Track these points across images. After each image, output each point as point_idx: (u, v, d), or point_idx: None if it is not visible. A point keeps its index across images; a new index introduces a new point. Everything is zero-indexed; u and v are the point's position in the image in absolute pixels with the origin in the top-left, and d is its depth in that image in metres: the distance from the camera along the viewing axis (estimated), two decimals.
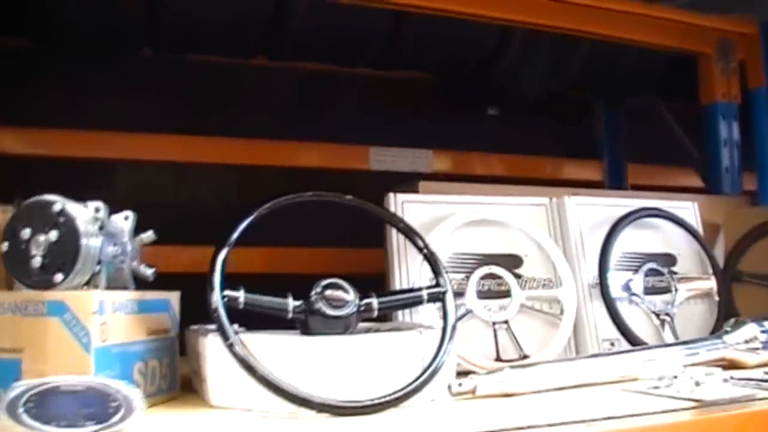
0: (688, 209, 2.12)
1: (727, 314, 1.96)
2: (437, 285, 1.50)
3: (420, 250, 1.56)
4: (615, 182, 2.91)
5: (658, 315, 1.96)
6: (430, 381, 1.36)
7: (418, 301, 1.53)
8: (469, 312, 1.80)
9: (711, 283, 2.04)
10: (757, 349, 1.74)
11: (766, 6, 1.92)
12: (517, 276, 1.88)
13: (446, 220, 1.85)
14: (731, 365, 1.71)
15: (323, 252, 2.43)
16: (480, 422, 1.22)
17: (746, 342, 1.74)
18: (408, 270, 1.80)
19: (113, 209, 1.40)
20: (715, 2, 1.88)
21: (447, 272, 1.52)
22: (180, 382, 1.51)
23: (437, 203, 1.90)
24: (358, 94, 2.73)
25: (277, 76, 2.58)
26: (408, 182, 2.04)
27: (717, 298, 2.03)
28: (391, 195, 1.86)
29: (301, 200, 1.49)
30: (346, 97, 2.71)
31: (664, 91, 2.79)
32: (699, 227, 2.11)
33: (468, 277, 1.84)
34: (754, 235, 2.11)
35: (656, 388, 1.47)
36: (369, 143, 2.62)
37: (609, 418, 1.28)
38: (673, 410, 1.34)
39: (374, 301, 1.46)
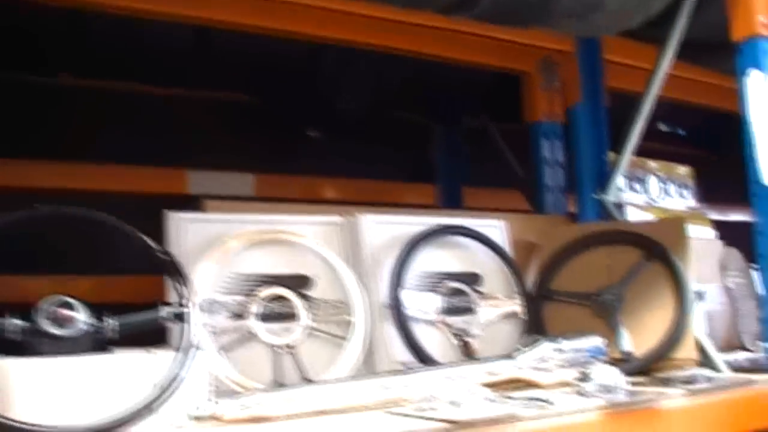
0: (496, 228, 2.04)
1: (535, 334, 1.88)
2: (180, 304, 1.38)
3: (161, 264, 1.43)
4: (451, 205, 2.83)
5: (458, 336, 1.87)
6: (155, 404, 1.25)
7: (158, 320, 1.40)
8: (249, 335, 1.69)
9: (517, 303, 1.96)
10: (550, 368, 1.66)
11: (564, 20, 1.86)
12: (306, 298, 1.77)
13: (224, 238, 1.73)
14: (528, 385, 1.63)
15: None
16: None
17: (540, 361, 1.66)
18: None
19: None
20: (513, 16, 1.82)
21: (189, 289, 1.39)
22: None
23: (221, 222, 1.80)
24: (174, 116, 2.60)
25: (82, 95, 2.44)
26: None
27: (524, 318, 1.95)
28: (170, 213, 1.74)
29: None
30: (162, 118, 2.57)
31: (496, 111, 2.73)
32: (507, 246, 2.03)
33: (250, 299, 1.72)
34: (566, 252, 2.04)
35: (421, 410, 1.38)
36: (187, 166, 2.50)
37: None
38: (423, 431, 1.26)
39: (109, 321, 1.33)
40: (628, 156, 2.14)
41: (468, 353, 1.85)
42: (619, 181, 2.20)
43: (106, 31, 2.20)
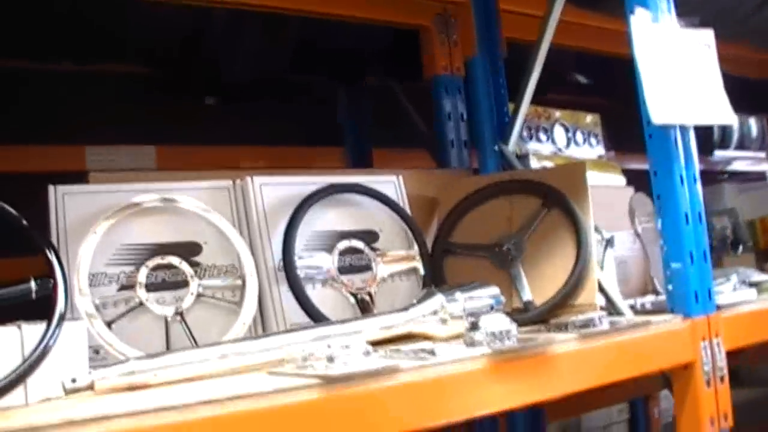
0: (391, 183, 2.01)
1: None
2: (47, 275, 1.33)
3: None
4: (359, 167, 2.79)
5: (355, 295, 1.83)
6: (24, 378, 1.20)
7: (27, 294, 1.35)
8: (138, 305, 1.64)
9: (416, 259, 1.94)
10: (445, 320, 1.63)
11: None
12: (195, 264, 1.73)
13: (108, 210, 1.68)
14: (424, 338, 1.61)
15: None
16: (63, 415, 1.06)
17: (434, 314, 1.63)
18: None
19: None
20: None
21: (58, 260, 1.34)
22: None
23: (105, 193, 1.74)
24: (67, 91, 2.52)
25: None
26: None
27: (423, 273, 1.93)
28: (51, 188, 1.69)
29: None
30: (53, 95, 2.50)
31: (399, 69, 2.68)
32: (404, 202, 2.00)
33: (138, 269, 1.67)
34: (465, 205, 2.01)
35: (301, 368, 1.34)
36: (85, 143, 2.43)
37: (206, 402, 1.15)
38: (293, 388, 1.22)
39: None
40: (525, 105, 2.11)
41: (366, 311, 1.82)
42: (519, 131, 2.17)
43: None
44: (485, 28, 2.31)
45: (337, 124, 2.88)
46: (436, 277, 1.95)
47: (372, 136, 2.87)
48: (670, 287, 1.80)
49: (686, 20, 1.91)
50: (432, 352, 1.39)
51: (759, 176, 4.37)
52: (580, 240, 1.87)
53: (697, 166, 1.83)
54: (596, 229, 2.27)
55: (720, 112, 1.84)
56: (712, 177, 4.08)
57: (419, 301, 1.65)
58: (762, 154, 4.43)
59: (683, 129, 1.79)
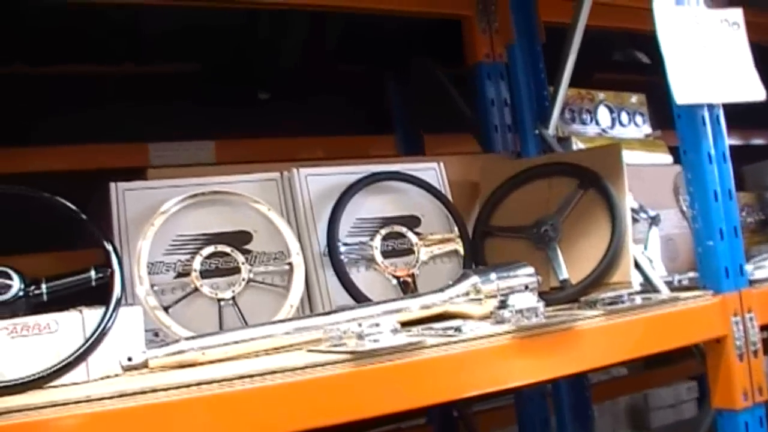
0: (433, 170, 2.09)
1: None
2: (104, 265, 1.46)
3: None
4: (411, 154, 2.87)
5: (398, 277, 1.93)
6: (84, 357, 1.33)
7: (87, 282, 1.48)
8: (194, 291, 1.76)
9: (457, 242, 2.02)
10: (479, 299, 1.71)
11: None
12: (247, 252, 1.84)
13: (164, 203, 1.80)
14: (462, 317, 1.69)
15: None
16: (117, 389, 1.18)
17: (467, 294, 1.71)
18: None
19: None
20: None
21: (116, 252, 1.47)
22: None
23: (162, 188, 1.86)
24: (128, 92, 2.66)
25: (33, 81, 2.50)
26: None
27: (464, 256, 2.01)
28: (112, 185, 1.82)
29: None
30: (117, 96, 2.63)
31: (443, 55, 2.75)
32: (444, 187, 2.08)
33: (193, 257, 1.79)
34: (504, 188, 2.08)
35: (336, 345, 1.44)
36: (148, 140, 2.57)
37: (243, 377, 1.26)
38: (325, 363, 1.32)
39: (43, 286, 1.42)
40: (564, 89, 2.17)
41: (408, 292, 1.91)
42: (558, 114, 2.23)
43: (41, 17, 2.25)
44: (523, 15, 2.36)
45: (387, 112, 2.96)
46: (476, 258, 2.03)
47: (421, 122, 2.94)
48: (701, 264, 1.85)
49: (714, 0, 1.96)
50: (459, 330, 1.48)
51: None
52: (615, 219, 1.92)
53: (726, 144, 1.86)
54: (641, 208, 2.34)
55: (749, 88, 1.88)
56: None
57: (455, 283, 1.73)
58: None
59: (711, 107, 1.84)
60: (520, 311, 1.56)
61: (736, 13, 1.91)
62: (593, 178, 1.98)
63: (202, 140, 2.64)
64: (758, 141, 4.18)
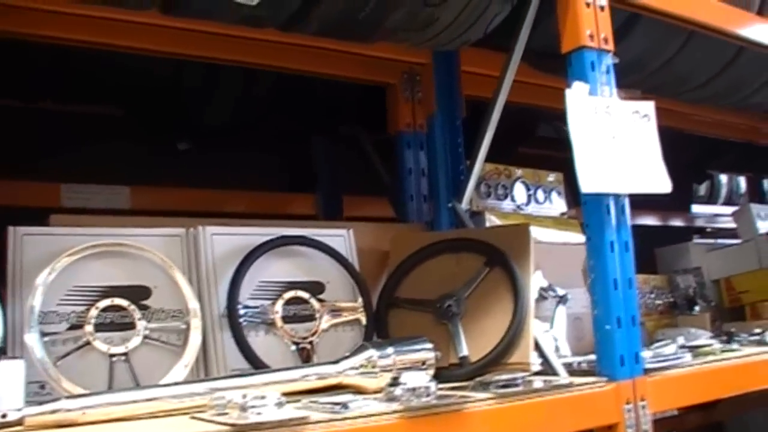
0: (341, 237, 2.09)
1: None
2: None
3: None
4: (330, 215, 2.87)
5: (298, 344, 1.91)
6: None
7: None
8: (86, 344, 1.73)
9: (360, 311, 2.01)
10: (375, 373, 1.70)
11: (400, 34, 1.92)
12: (144, 308, 1.81)
13: (63, 251, 1.76)
14: (357, 390, 1.68)
15: None
16: None
17: (362, 367, 1.70)
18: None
19: None
20: (350, 32, 1.87)
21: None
22: None
23: (63, 235, 1.83)
24: (44, 130, 2.62)
25: None
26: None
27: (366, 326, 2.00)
28: (10, 229, 1.78)
29: None
30: (33, 133, 2.59)
31: (370, 121, 2.76)
32: (352, 255, 2.08)
33: (88, 309, 1.76)
34: (413, 260, 2.09)
35: (219, 414, 1.42)
36: (60, 180, 2.53)
37: None
38: None
39: None
40: (480, 163, 2.18)
41: (307, 360, 1.89)
42: (473, 188, 2.24)
43: None
44: (444, 88, 2.40)
45: (309, 172, 2.96)
46: (379, 329, 2.03)
47: (343, 185, 2.95)
48: (599, 350, 1.86)
49: (627, 92, 2.00)
50: (345, 406, 1.46)
51: None
52: (518, 299, 1.93)
53: (629, 233, 1.88)
54: (550, 287, 2.35)
55: (655, 180, 1.91)
56: (691, 232, 4.13)
57: (351, 354, 1.72)
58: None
59: (617, 197, 1.86)
60: (412, 389, 1.55)
61: (648, 106, 1.95)
62: (500, 257, 1.99)
63: (117, 185, 2.61)
64: (677, 223, 4.26)
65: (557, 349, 2.25)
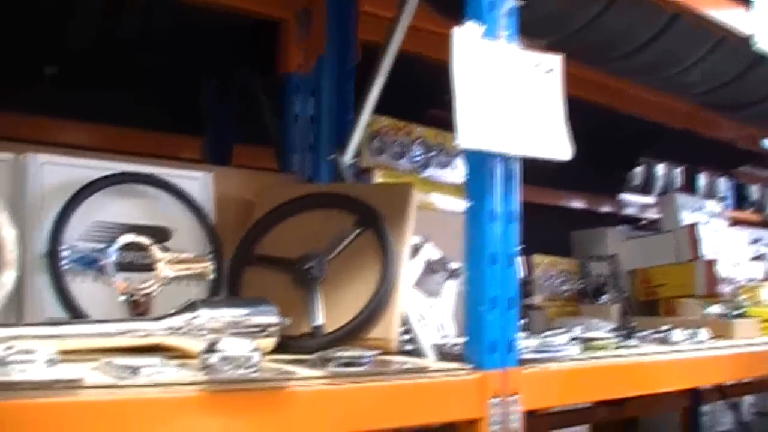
0: (197, 180, 1.84)
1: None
2: None
3: None
4: (217, 162, 2.61)
5: (129, 294, 1.66)
6: None
7: None
8: None
9: (207, 264, 1.77)
10: (204, 335, 1.47)
11: None
12: None
13: None
14: (182, 354, 1.45)
15: None
16: None
17: (187, 326, 1.47)
18: None
19: None
20: None
21: None
22: None
23: None
24: None
25: None
26: None
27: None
28: None
29: None
30: None
31: (261, 61, 2.50)
32: (208, 201, 1.84)
33: None
34: (276, 214, 1.85)
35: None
36: None
37: None
38: None
39: None
40: (367, 114, 1.95)
41: (138, 313, 1.65)
42: (357, 142, 2.01)
43: None
44: (337, 28, 2.14)
45: (198, 114, 2.69)
46: (232, 288, 1.79)
47: (235, 132, 2.68)
48: (468, 334, 1.63)
49: (531, 41, 1.77)
50: (135, 371, 1.22)
51: None
52: (387, 268, 1.71)
53: (517, 203, 1.65)
54: (442, 260, 2.13)
55: (554, 145, 1.68)
56: (619, 221, 3.94)
57: (177, 311, 1.49)
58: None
59: (506, 159, 1.63)
60: (228, 359, 1.31)
61: (554, 60, 1.71)
62: (372, 217, 1.76)
63: None
64: (603, 208, 4.07)
65: (441, 327, 2.05)
